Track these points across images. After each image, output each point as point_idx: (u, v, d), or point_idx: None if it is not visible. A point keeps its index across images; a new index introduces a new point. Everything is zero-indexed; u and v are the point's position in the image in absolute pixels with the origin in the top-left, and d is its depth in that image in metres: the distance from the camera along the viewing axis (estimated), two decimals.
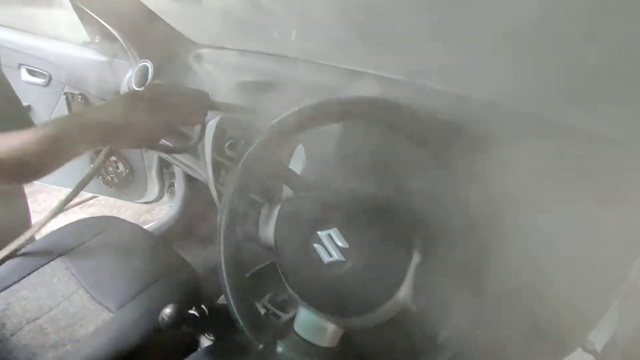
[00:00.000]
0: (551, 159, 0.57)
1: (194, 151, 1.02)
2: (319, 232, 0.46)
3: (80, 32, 1.21)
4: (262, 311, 0.79)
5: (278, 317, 0.79)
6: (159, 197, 1.47)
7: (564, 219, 0.52)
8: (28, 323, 0.74)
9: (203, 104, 0.64)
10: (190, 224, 1.40)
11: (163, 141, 0.69)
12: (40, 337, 0.72)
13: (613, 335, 0.72)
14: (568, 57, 0.61)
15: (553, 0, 0.54)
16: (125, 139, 0.56)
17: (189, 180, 1.39)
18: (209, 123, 0.88)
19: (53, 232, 0.94)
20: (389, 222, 0.45)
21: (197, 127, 0.74)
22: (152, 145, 0.65)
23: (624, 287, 0.52)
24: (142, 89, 0.66)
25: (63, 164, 0.52)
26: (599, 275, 0.50)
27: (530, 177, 0.57)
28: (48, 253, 0.87)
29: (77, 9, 1.14)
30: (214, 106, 0.68)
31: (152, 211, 1.83)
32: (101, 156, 0.68)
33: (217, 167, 0.89)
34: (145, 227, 1.27)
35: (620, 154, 0.55)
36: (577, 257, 0.51)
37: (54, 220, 0.86)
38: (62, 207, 0.78)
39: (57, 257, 0.86)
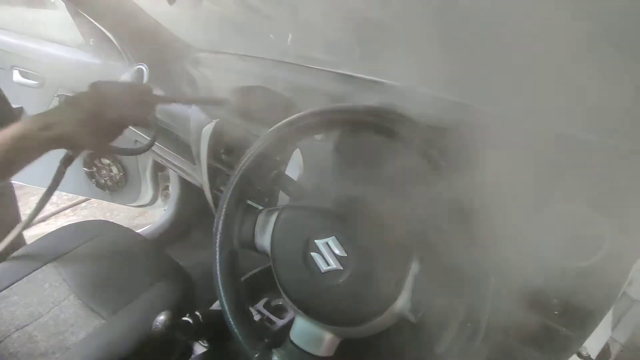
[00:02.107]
0: (547, 166, 0.58)
1: (189, 155, 1.02)
2: (316, 241, 0.46)
3: (75, 34, 1.20)
4: (257, 317, 0.79)
5: (273, 322, 0.79)
6: (153, 200, 1.46)
7: (560, 226, 0.53)
8: (17, 330, 0.72)
9: (147, 98, 0.63)
10: (185, 228, 1.39)
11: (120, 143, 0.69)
12: (29, 345, 0.70)
13: (607, 343, 0.72)
14: (564, 66, 0.62)
15: (548, 10, 0.55)
16: (76, 143, 0.56)
17: (184, 183, 1.38)
18: (205, 128, 0.87)
19: (45, 237, 0.93)
20: (387, 231, 0.44)
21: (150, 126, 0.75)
22: (105, 147, 0.65)
23: (618, 295, 0.53)
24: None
25: (14, 173, 0.51)
26: (595, 284, 0.50)
27: (526, 184, 0.57)
28: (39, 258, 0.85)
29: (71, 11, 1.13)
30: (160, 99, 0.67)
31: (146, 214, 1.81)
32: (61, 167, 0.67)
33: (212, 172, 0.89)
34: (138, 231, 1.26)
35: (617, 162, 0.55)
36: (575, 266, 0.51)
37: (45, 225, 0.85)
38: (30, 220, 0.75)
39: (49, 262, 0.85)
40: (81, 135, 0.54)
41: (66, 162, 0.67)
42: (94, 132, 0.55)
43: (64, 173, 0.67)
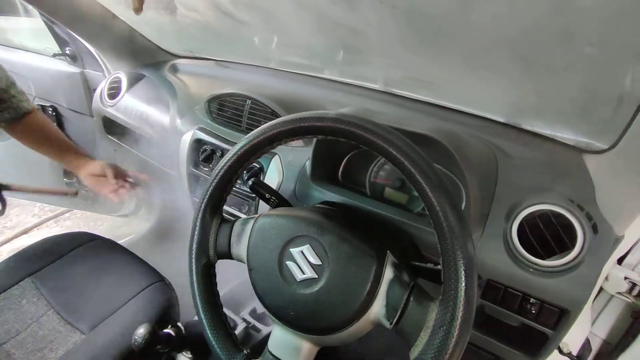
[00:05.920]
0: (525, 167, 0.59)
1: (170, 164, 1.00)
2: (291, 249, 0.45)
3: (50, 43, 1.18)
4: (242, 325, 0.78)
5: (258, 330, 0.78)
6: (136, 210, 1.44)
7: (534, 226, 0.53)
8: None
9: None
10: (168, 237, 1.36)
11: None
12: None
13: (588, 338, 0.73)
14: (537, 69, 0.63)
15: (526, 15, 0.56)
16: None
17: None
18: (184, 136, 0.86)
19: (23, 250, 0.90)
20: (360, 238, 0.44)
21: None
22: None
23: (592, 292, 0.53)
24: None
25: None
26: (570, 282, 0.51)
27: (502, 184, 0.58)
28: (16, 273, 0.83)
29: (46, 19, 1.11)
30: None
31: (130, 224, 1.78)
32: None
33: (193, 179, 0.88)
34: (121, 241, 1.23)
35: (588, 161, 0.56)
36: (549, 264, 0.52)
37: (27, 237, 0.83)
38: None
39: (26, 277, 0.83)
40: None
41: None
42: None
43: None
